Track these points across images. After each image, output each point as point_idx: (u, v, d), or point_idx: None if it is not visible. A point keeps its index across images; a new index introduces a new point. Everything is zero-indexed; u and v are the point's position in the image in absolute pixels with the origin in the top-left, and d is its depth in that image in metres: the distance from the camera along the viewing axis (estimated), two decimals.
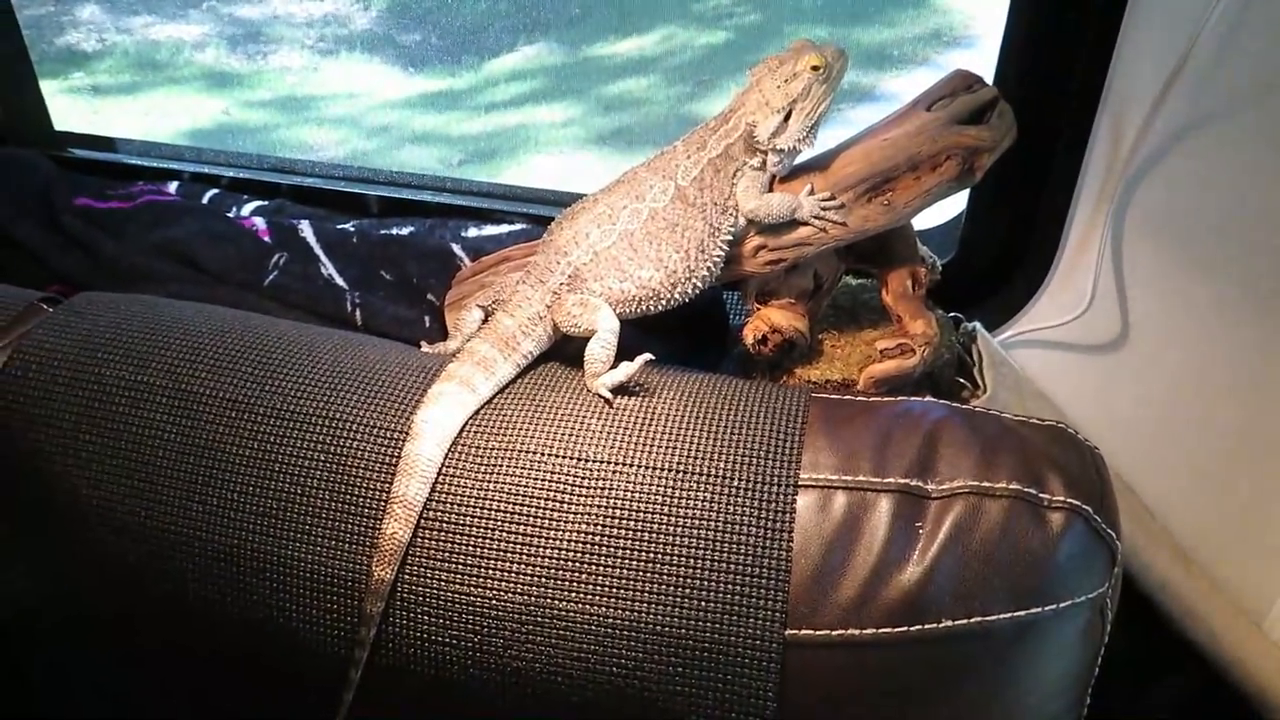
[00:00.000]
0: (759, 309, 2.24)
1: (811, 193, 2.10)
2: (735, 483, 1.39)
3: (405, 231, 2.47)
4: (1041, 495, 1.31)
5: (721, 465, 1.42)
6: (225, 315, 1.75)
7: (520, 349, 1.99)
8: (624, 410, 1.62)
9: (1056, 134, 2.10)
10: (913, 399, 1.64)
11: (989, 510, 1.29)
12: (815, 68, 2.02)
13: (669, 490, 1.41)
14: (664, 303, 2.07)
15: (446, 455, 1.59)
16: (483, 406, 1.74)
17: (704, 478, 1.40)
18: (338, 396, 1.59)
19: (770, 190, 2.11)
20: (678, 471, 1.42)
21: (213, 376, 1.57)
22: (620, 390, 1.77)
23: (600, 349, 2.00)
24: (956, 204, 2.28)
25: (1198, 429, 1.83)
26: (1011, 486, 1.32)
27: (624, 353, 1.81)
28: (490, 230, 2.49)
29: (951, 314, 2.12)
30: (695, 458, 1.44)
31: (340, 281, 2.33)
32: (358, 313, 2.28)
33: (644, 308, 2.08)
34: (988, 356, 2.07)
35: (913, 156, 2.06)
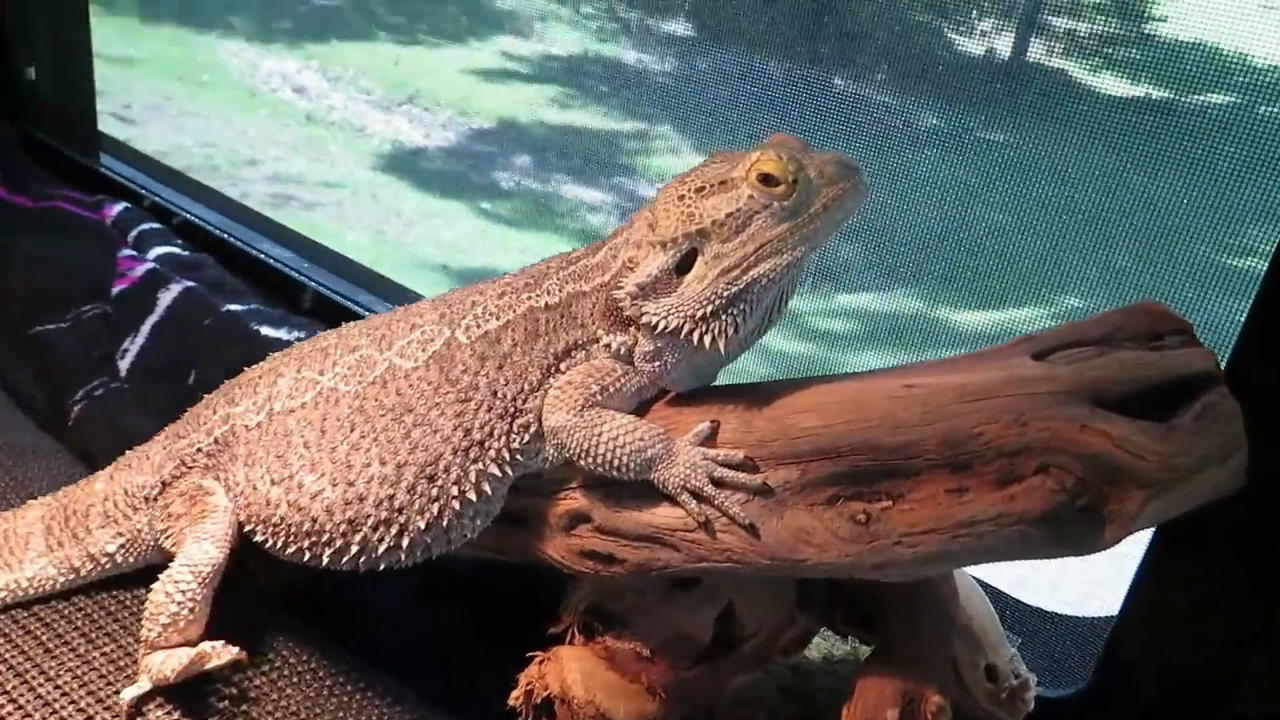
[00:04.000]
0: (557, 650, 1.08)
1: (709, 439, 0.96)
2: None
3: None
4: None
5: None
6: None
7: (89, 542, 1.14)
8: None
9: None
10: None
11: None
12: (766, 180, 0.92)
13: None
14: (333, 550, 1.00)
15: None
16: None
17: None
18: None
19: (629, 408, 1.00)
20: None
21: None
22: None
23: (166, 598, 0.95)
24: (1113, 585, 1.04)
25: None
26: None
27: None
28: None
29: None
30: None
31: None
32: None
33: (300, 549, 1.01)
34: None
35: (962, 438, 0.89)
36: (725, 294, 0.94)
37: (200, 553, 1.00)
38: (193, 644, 1.01)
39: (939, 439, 0.92)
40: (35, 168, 2.47)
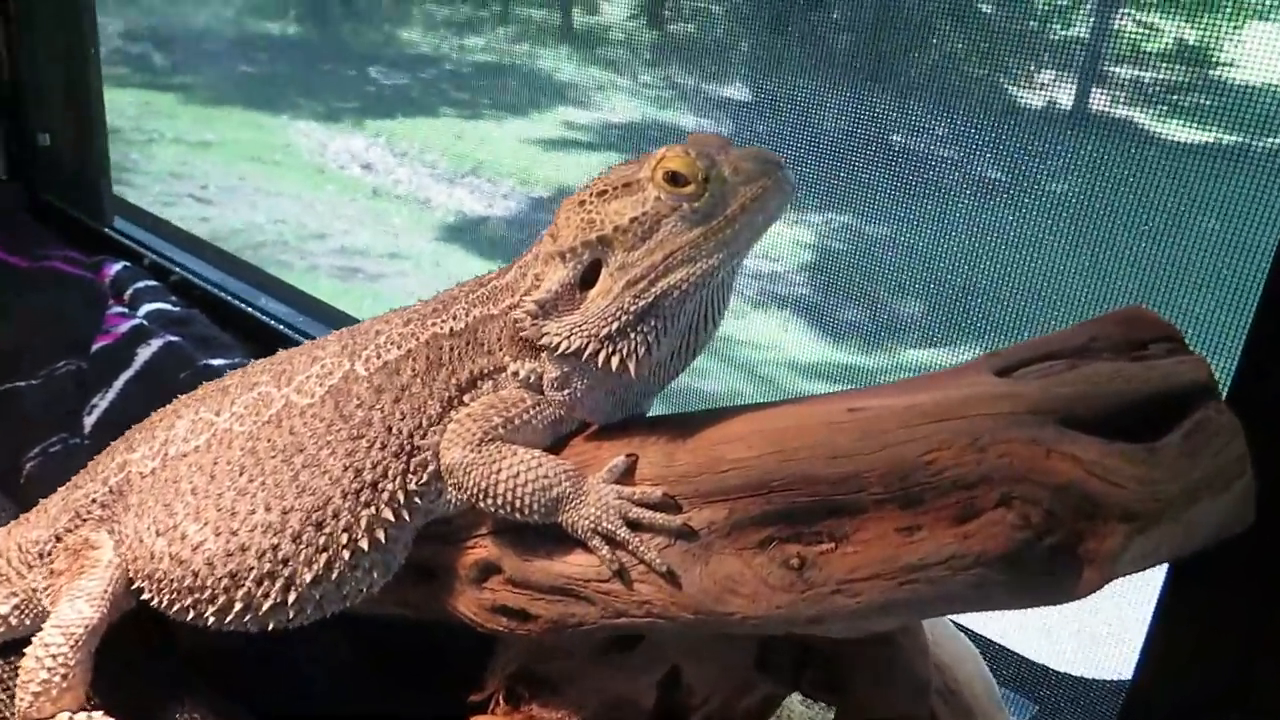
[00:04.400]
0: (493, 713, 0.95)
1: (625, 476, 0.85)
2: None
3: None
4: None
5: None
6: None
7: None
8: None
9: None
10: None
11: None
12: (673, 179, 0.81)
13: None
14: (216, 608, 0.90)
15: None
16: None
17: None
18: None
19: (543, 444, 0.89)
20: None
21: None
22: None
23: (36, 663, 0.86)
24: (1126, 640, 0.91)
25: None
26: None
27: None
28: None
29: None
30: None
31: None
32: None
33: (184, 607, 0.91)
34: None
35: (911, 467, 0.76)
36: (632, 309, 0.83)
37: (72, 612, 0.91)
38: (71, 713, 0.92)
39: (883, 469, 0.79)
40: (40, 229, 2.48)
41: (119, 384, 1.81)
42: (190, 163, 5.71)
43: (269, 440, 0.92)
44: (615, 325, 0.83)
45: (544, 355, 0.88)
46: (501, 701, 0.97)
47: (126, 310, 2.16)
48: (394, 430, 0.88)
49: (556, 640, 0.92)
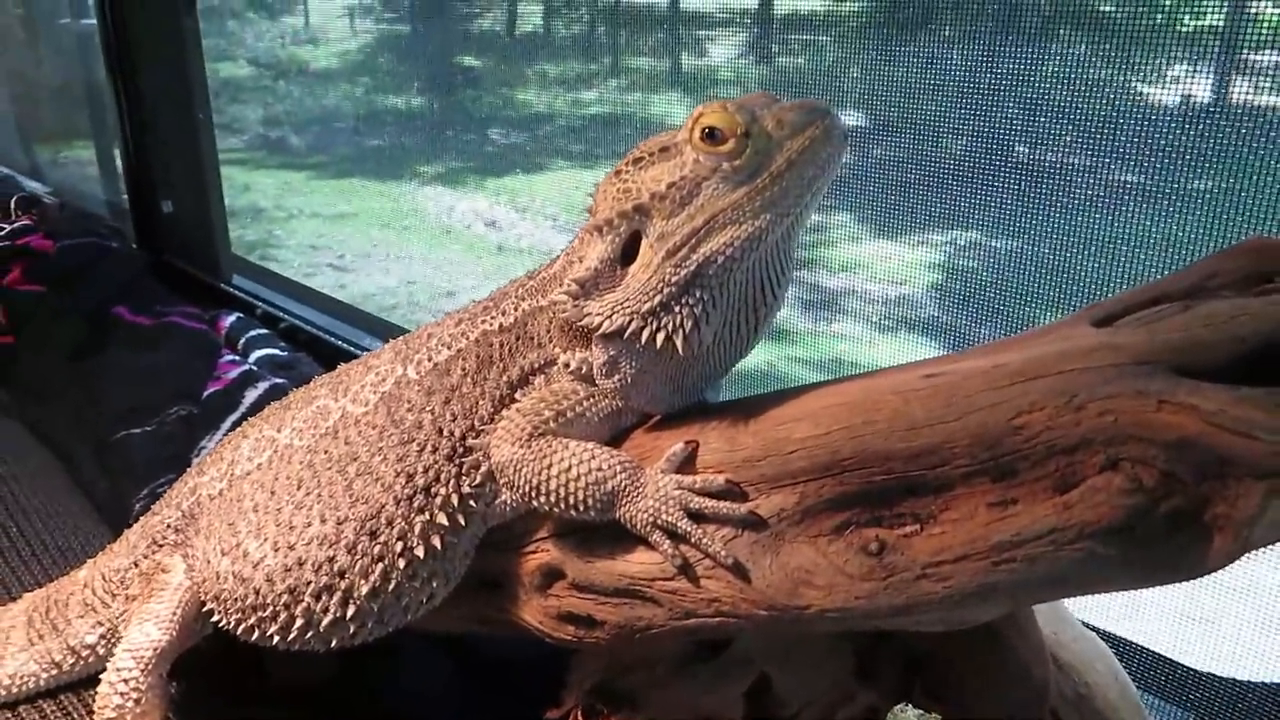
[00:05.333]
0: None
1: (686, 464, 0.79)
2: None
3: None
4: None
5: None
6: None
7: (69, 633, 1.06)
8: None
9: None
10: None
11: None
12: (710, 135, 0.76)
13: None
14: (277, 626, 0.88)
15: None
16: None
17: None
18: None
19: (601, 438, 0.85)
20: None
21: None
22: None
23: (110, 688, 0.87)
24: None
25: None
26: None
27: None
28: None
29: None
30: None
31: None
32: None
33: (249, 626, 0.90)
34: None
35: (1000, 434, 0.69)
36: (674, 280, 0.77)
37: (141, 635, 0.90)
38: None
39: (968, 439, 0.70)
40: (162, 290, 2.61)
41: (225, 425, 1.86)
42: (327, 234, 6.02)
43: (326, 452, 0.89)
44: (658, 299, 0.77)
45: (583, 341, 0.83)
46: (580, 718, 0.91)
47: (238, 358, 2.24)
48: (445, 432, 0.85)
49: (629, 649, 0.85)
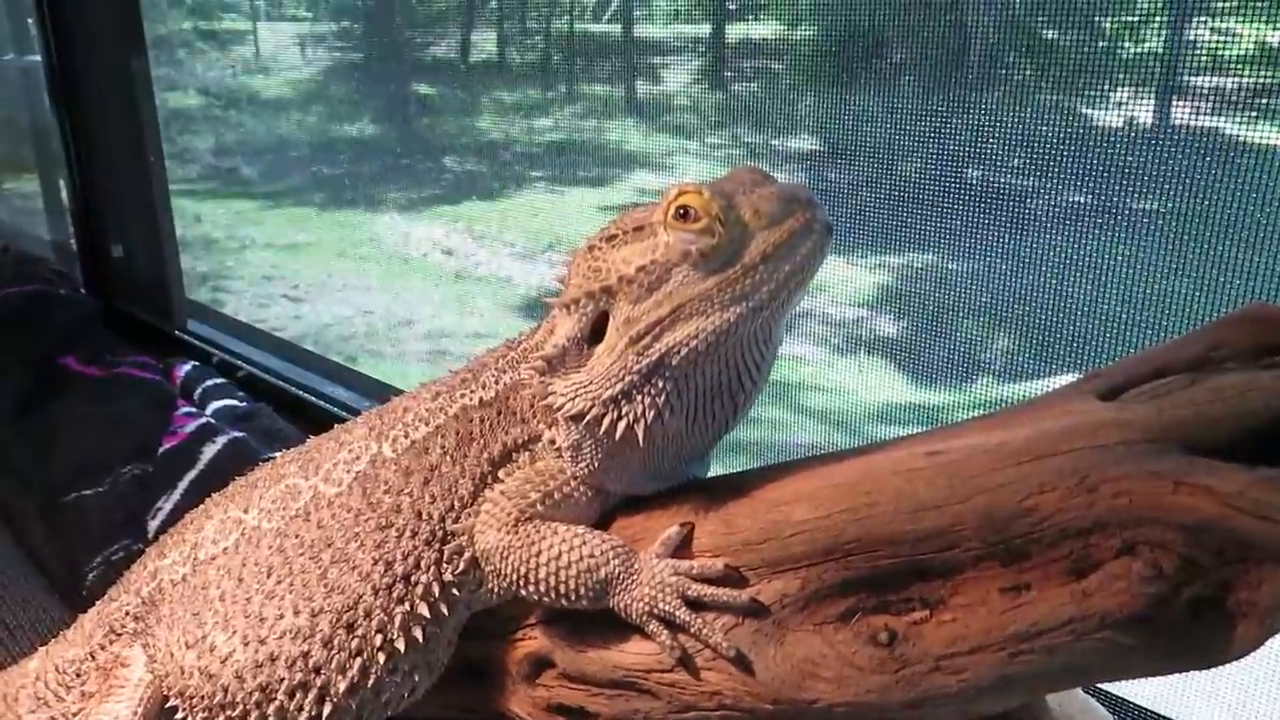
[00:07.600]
0: None
1: (681, 548, 0.75)
2: None
3: None
4: None
5: None
6: None
7: None
8: None
9: None
10: None
11: None
12: (683, 214, 0.73)
13: None
14: None
15: None
16: None
17: None
18: None
19: (589, 520, 0.80)
20: None
21: None
22: None
23: None
24: None
25: None
26: None
27: None
28: None
29: None
30: None
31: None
32: None
33: None
34: None
35: (1009, 516, 0.66)
36: (636, 368, 0.73)
37: None
38: None
39: (978, 520, 0.67)
40: (112, 338, 2.52)
41: (183, 485, 1.79)
42: (281, 265, 5.94)
43: (297, 536, 0.85)
44: (620, 386, 0.74)
45: (558, 422, 0.80)
46: None
47: (195, 410, 2.16)
48: (424, 515, 0.80)
49: None
